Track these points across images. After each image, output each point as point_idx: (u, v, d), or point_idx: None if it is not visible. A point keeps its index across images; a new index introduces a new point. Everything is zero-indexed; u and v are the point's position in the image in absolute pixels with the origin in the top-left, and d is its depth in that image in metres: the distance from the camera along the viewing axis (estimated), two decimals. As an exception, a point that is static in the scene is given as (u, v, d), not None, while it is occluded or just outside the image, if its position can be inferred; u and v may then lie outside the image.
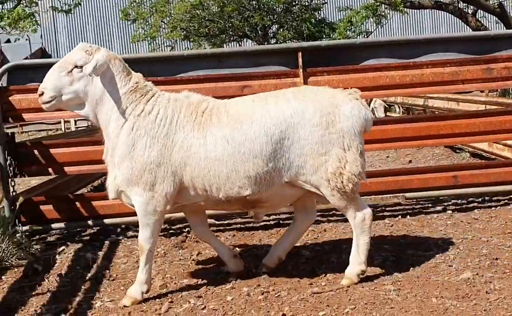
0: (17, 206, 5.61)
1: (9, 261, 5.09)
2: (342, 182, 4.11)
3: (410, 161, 9.58)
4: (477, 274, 4.25)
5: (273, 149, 4.08)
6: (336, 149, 4.11)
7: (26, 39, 15.61)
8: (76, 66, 4.09)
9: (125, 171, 4.08)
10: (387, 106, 13.99)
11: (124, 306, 4.11)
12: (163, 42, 23.67)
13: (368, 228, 4.26)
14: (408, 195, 6.06)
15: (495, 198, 6.26)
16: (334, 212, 6.17)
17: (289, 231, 4.68)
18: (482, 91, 12.70)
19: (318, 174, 4.12)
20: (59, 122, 17.12)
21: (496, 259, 4.53)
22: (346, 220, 5.81)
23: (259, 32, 22.35)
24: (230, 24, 21.89)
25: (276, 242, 4.73)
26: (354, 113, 4.19)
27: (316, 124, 4.11)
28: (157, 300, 4.21)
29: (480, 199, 6.32)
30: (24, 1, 16.10)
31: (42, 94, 4.14)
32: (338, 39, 20.29)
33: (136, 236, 5.74)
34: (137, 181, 4.06)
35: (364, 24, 21.25)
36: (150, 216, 4.14)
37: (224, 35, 22.41)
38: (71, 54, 4.19)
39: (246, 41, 23.74)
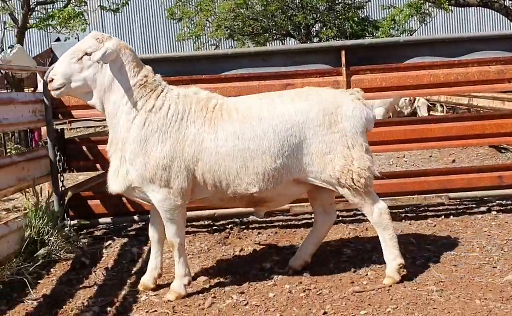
0: (66, 201, 5.78)
1: (58, 254, 5.25)
2: (352, 178, 4.15)
3: (453, 161, 9.45)
4: (522, 276, 4.20)
5: (281, 146, 4.13)
6: (340, 148, 4.16)
7: (75, 38, 15.93)
8: (86, 54, 4.14)
9: (139, 167, 4.10)
10: (430, 105, 13.80)
11: (169, 300, 4.20)
12: (208, 41, 23.90)
13: (388, 221, 4.28)
14: (451, 195, 6.01)
15: (543, 199, 6.13)
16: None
17: (312, 234, 4.73)
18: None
19: (326, 172, 4.17)
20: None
21: (543, 261, 4.46)
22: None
23: (302, 30, 22.34)
24: (273, 23, 21.96)
25: (301, 245, 4.78)
26: (355, 113, 4.24)
27: (320, 124, 4.17)
28: (200, 295, 4.29)
29: (526, 200, 6.20)
30: (74, 1, 16.49)
31: (52, 80, 4.20)
32: (381, 37, 20.10)
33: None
34: (151, 177, 4.09)
35: (408, 22, 20.94)
36: (172, 211, 4.18)
37: (267, 34, 22.48)
38: (83, 41, 4.24)
39: (289, 40, 23.77)
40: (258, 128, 4.13)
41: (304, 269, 4.60)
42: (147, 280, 4.47)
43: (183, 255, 4.31)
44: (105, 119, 4.42)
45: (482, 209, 6.07)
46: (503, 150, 9.49)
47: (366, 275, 4.45)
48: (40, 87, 5.77)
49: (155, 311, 4.07)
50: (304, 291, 4.19)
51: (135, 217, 6.05)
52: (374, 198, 4.29)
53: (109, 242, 5.77)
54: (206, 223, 6.22)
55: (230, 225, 6.03)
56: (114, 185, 4.24)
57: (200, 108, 4.20)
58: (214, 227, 6.09)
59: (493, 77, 5.93)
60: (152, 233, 4.49)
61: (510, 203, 6.20)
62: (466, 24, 30.81)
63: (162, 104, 4.17)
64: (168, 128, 4.11)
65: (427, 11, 20.48)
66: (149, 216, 4.53)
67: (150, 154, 4.07)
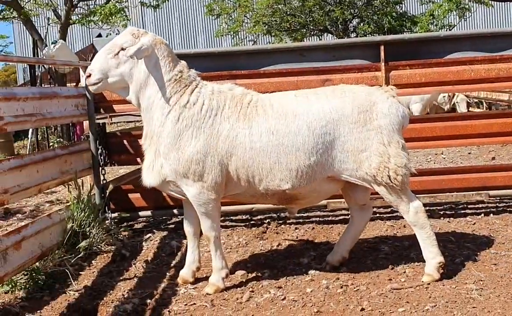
0: (107, 194, 5.92)
1: (99, 246, 5.37)
2: (389, 175, 4.12)
3: (493, 158, 9.28)
4: None
5: (315, 143, 4.12)
6: (376, 145, 4.13)
7: (116, 34, 16.21)
8: (122, 49, 4.20)
9: (173, 161, 4.14)
10: (469, 101, 13.56)
11: (207, 293, 4.27)
12: (246, 37, 23.93)
13: (424, 220, 4.23)
14: (491, 192, 5.92)
15: None
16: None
17: (348, 230, 4.71)
18: None
19: (362, 169, 4.15)
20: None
21: None
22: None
23: (340, 26, 22.17)
24: (311, 19, 21.86)
25: (338, 241, 4.77)
26: (392, 111, 4.22)
27: (355, 122, 4.15)
28: (238, 289, 4.33)
29: None
30: (115, -3, 16.80)
31: (89, 76, 4.28)
32: (420, 33, 19.81)
33: (222, 227, 5.96)
34: (185, 171, 4.13)
35: (447, 17, 20.58)
36: (206, 205, 4.22)
37: (305, 30, 22.40)
38: (119, 37, 4.30)
39: (327, 36, 23.61)
40: (292, 124, 4.14)
41: (342, 265, 4.61)
42: (185, 273, 4.54)
43: (219, 248, 4.36)
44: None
45: (524, 207, 5.96)
46: (545, 148, 9.29)
47: (404, 272, 4.43)
48: (83, 82, 5.90)
49: (194, 304, 4.12)
50: (342, 287, 4.20)
51: (175, 211, 6.13)
52: (410, 196, 4.26)
53: (149, 235, 5.87)
54: (244, 217, 6.28)
55: (267, 220, 6.07)
56: (149, 179, 4.31)
57: (234, 104, 4.23)
58: (252, 222, 6.14)
59: (548, 72, 5.80)
60: (187, 227, 4.56)
61: (553, 201, 6.08)
62: (507, 19, 30.08)
63: (196, 99, 4.20)
64: (202, 123, 4.14)
65: (467, 6, 20.11)
66: (183, 210, 4.59)
67: (184, 149, 4.12)
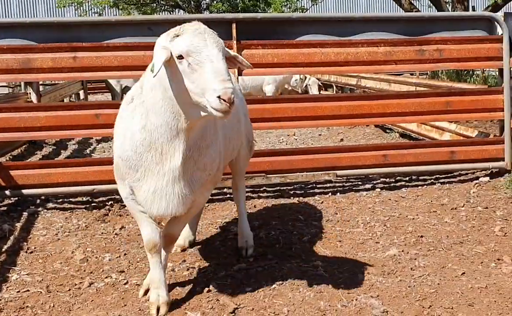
0: None
1: None
2: None
3: (341, 139, 9.64)
4: (402, 251, 4.28)
5: None
6: None
7: None
8: None
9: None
10: (321, 84, 14.03)
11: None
12: (91, 9, 22.64)
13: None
14: (339, 172, 6.06)
15: (422, 177, 6.36)
16: (265, 188, 6.11)
17: None
18: (412, 74, 12.94)
19: None
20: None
21: (421, 236, 4.58)
22: (269, 197, 5.80)
23: (192, 2, 21.84)
24: (161, -7, 21.33)
25: None
26: None
27: None
28: (77, 273, 4.03)
29: (407, 178, 6.41)
30: None
31: None
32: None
33: (56, 208, 5.53)
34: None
35: (300, 1, 21.20)
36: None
37: (155, 4, 21.74)
38: None
39: (178, 12, 23.12)
40: None
41: (189, 247, 4.44)
42: None
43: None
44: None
45: (367, 186, 6.19)
46: (388, 131, 9.80)
47: (253, 251, 4.34)
48: None
49: (27, 290, 3.78)
50: (188, 269, 4.03)
51: (7, 192, 5.54)
52: None
53: (-24, 218, 5.29)
54: (85, 199, 5.85)
55: (110, 202, 5.69)
56: None
57: None
58: (93, 204, 5.73)
59: (381, 58, 6.02)
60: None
61: (393, 180, 6.38)
62: (357, 6, 31.82)
63: None
64: None
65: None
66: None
67: None
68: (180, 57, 2.87)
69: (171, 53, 2.89)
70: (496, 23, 6.31)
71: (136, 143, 3.17)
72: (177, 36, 2.95)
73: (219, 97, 2.74)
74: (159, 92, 3.03)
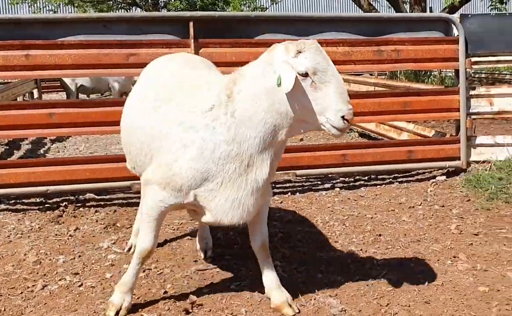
0: None
1: None
2: None
3: (301, 139, 9.64)
4: (361, 249, 4.29)
5: None
6: None
7: None
8: None
9: None
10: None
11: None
12: (45, 6, 22.03)
13: None
14: (298, 172, 6.05)
15: (381, 177, 6.41)
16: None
17: None
18: (371, 74, 13.08)
19: None
20: None
21: (380, 235, 4.60)
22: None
23: (149, 0, 21.53)
24: (118, -10, 20.93)
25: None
26: None
27: None
28: (30, 276, 3.91)
29: (366, 177, 6.45)
30: None
31: None
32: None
33: (8, 210, 5.36)
34: None
35: (259, 0, 21.19)
36: None
37: (111, 2, 21.32)
38: None
39: (135, 10, 22.75)
40: None
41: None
42: None
43: None
44: None
45: (327, 185, 6.20)
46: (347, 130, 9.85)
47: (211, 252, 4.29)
48: None
49: (-27, 297, 3.61)
50: (144, 271, 3.93)
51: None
52: None
53: None
54: (38, 200, 5.69)
55: (64, 203, 5.54)
56: None
57: None
58: (47, 205, 5.58)
59: (340, 58, 6.02)
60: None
61: (353, 180, 6.41)
62: (316, 7, 32.04)
63: None
64: None
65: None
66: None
67: None
68: (305, 74, 2.85)
69: None
70: (452, 24, 6.41)
71: (219, 155, 3.00)
72: (299, 52, 2.90)
73: (342, 117, 2.82)
74: (264, 104, 2.94)
